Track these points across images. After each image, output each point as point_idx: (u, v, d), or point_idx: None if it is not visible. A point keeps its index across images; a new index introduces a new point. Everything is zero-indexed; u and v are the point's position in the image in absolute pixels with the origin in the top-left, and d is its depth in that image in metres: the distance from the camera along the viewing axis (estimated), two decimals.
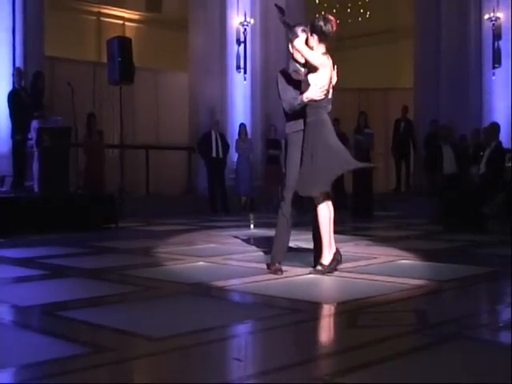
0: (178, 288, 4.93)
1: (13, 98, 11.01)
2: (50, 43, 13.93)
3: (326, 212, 5.27)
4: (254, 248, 7.24)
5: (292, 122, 5.39)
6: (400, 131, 15.43)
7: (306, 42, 5.29)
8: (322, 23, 5.22)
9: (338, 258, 5.31)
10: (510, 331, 3.60)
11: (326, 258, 5.28)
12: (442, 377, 2.78)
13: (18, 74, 11.35)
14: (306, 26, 5.39)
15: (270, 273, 5.33)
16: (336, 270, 5.30)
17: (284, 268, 5.55)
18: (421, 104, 16.27)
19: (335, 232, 5.49)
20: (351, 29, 18.94)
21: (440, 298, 4.57)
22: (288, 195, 5.36)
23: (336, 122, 5.75)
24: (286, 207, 5.37)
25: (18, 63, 12.14)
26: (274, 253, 5.45)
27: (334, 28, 5.22)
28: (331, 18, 5.28)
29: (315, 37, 5.25)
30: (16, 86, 11.28)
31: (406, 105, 15.75)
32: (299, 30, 5.35)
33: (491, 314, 4.30)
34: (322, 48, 5.27)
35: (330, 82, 5.28)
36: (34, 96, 11.07)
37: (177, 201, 14.06)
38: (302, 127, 5.27)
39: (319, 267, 5.28)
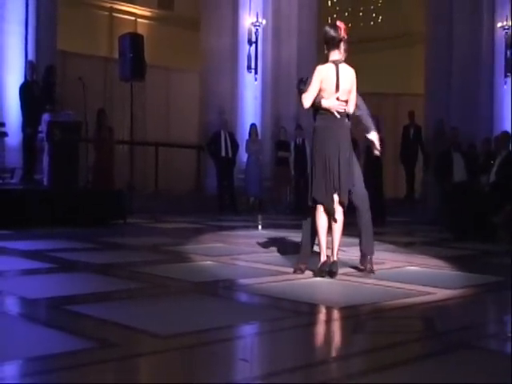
0: (185, 286, 4.93)
1: (24, 91, 11.03)
2: (62, 37, 13.96)
3: (320, 221, 5.34)
4: (261, 249, 7.23)
5: None
6: (410, 137, 15.39)
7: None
8: (327, 29, 5.30)
9: (324, 269, 5.26)
10: None
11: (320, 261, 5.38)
12: None
13: (30, 67, 11.38)
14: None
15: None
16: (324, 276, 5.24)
17: (291, 270, 5.58)
18: (431, 110, 16.22)
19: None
20: (362, 33, 18.94)
21: (448, 306, 4.54)
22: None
23: None
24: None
25: (30, 56, 12.17)
26: None
27: (340, 33, 5.24)
28: (339, 23, 5.30)
29: (325, 45, 5.33)
30: (28, 79, 11.30)
31: (413, 110, 15.70)
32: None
33: (499, 323, 4.27)
34: (333, 55, 5.30)
35: (338, 88, 5.25)
36: (46, 90, 11.09)
37: (185, 199, 14.07)
38: None
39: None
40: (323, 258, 5.32)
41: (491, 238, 8.53)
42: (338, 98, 5.26)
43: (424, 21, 17.18)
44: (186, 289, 4.85)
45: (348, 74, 5.31)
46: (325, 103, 5.22)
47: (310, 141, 14.77)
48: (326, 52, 5.34)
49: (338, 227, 5.32)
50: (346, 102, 5.30)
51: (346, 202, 5.37)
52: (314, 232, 5.51)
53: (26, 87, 11.11)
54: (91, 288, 4.76)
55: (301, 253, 5.63)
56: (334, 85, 5.23)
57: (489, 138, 12.54)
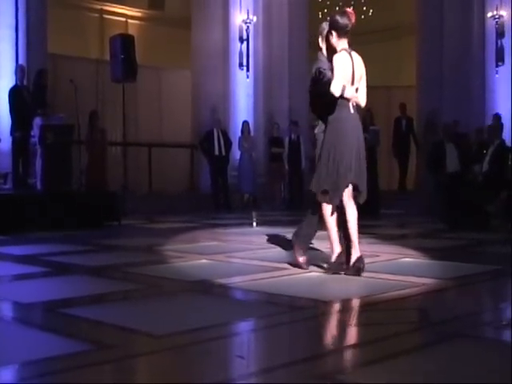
0: (181, 286, 4.93)
1: (14, 95, 10.99)
2: (52, 40, 13.93)
3: (329, 208, 5.17)
4: (256, 246, 7.23)
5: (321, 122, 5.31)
6: (402, 129, 15.41)
7: (327, 39, 5.23)
8: (337, 17, 5.12)
9: (342, 261, 5.14)
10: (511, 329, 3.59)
11: (334, 255, 5.19)
12: (444, 375, 2.77)
13: (20, 70, 11.32)
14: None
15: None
16: (340, 272, 5.13)
17: (286, 266, 5.58)
18: (423, 102, 16.24)
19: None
20: (354, 26, 18.93)
21: (443, 296, 4.56)
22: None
23: None
24: None
25: (21, 60, 12.15)
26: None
27: (352, 20, 5.09)
28: (349, 10, 5.15)
29: (333, 33, 5.14)
30: (18, 83, 11.25)
31: (404, 102, 15.72)
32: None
33: (494, 312, 4.28)
34: (343, 43, 5.15)
35: (353, 78, 5.12)
36: (38, 93, 11.05)
37: (179, 198, 14.07)
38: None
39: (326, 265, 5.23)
40: (338, 251, 5.16)
41: (485, 227, 8.56)
42: (356, 90, 5.13)
43: (414, 12, 17.19)
44: (181, 288, 4.85)
45: (359, 62, 5.20)
46: (348, 92, 5.04)
47: (304, 137, 14.76)
48: (335, 40, 5.14)
49: (354, 221, 5.14)
50: (357, 89, 5.17)
51: (365, 198, 5.26)
52: (313, 226, 5.40)
53: (16, 91, 11.06)
54: (86, 290, 4.75)
55: (300, 245, 5.48)
56: (351, 75, 5.11)
57: (481, 128, 12.57)
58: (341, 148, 5.08)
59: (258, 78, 16.13)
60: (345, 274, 5.11)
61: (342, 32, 5.13)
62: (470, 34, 15.64)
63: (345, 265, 5.17)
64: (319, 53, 5.42)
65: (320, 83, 5.18)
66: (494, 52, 15.21)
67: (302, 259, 5.41)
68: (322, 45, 5.38)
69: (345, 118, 5.11)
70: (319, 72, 5.23)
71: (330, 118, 5.13)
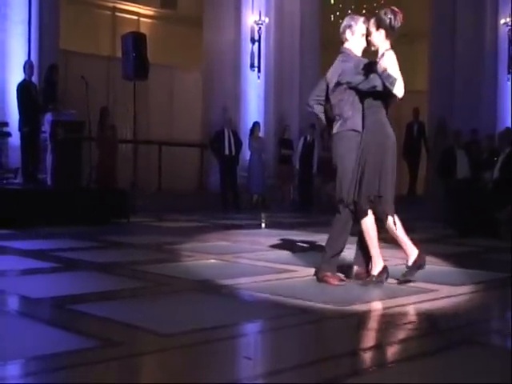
0: (188, 285, 4.94)
1: (22, 90, 10.98)
2: (64, 37, 13.97)
3: (371, 221, 4.95)
4: (265, 247, 7.22)
5: (350, 121, 4.86)
6: (413, 134, 15.37)
7: (367, 36, 4.90)
8: (391, 16, 4.74)
9: (387, 270, 4.95)
10: None
11: (376, 268, 4.93)
12: (451, 381, 2.76)
13: (29, 66, 11.31)
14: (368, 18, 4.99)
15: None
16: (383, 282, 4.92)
17: (295, 268, 5.55)
18: (434, 107, 16.20)
19: None
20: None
21: (452, 303, 4.54)
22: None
23: None
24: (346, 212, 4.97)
25: (33, 56, 12.17)
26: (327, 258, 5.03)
27: (401, 22, 4.78)
28: (399, 11, 4.78)
29: (382, 32, 4.79)
30: (26, 78, 11.25)
31: (417, 107, 15.67)
32: (360, 21, 4.99)
33: (502, 319, 4.27)
34: (387, 44, 4.80)
35: None
36: (48, 89, 11.06)
37: (188, 197, 14.06)
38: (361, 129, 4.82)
39: (370, 278, 4.92)
40: (381, 266, 4.94)
41: (495, 234, 8.52)
42: None
43: (427, 18, 17.15)
44: (189, 287, 4.86)
45: None
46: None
47: (318, 140, 14.64)
48: (382, 39, 4.79)
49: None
50: None
51: None
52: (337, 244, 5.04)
53: (24, 86, 11.05)
54: (95, 287, 4.77)
55: (327, 270, 5.03)
56: None
57: (492, 135, 12.53)
58: (391, 156, 4.83)
59: (269, 80, 16.14)
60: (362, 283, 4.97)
61: (391, 33, 4.79)
62: (482, 40, 15.61)
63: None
64: (344, 47, 5.06)
65: (384, 81, 4.67)
66: (506, 59, 15.17)
67: (334, 281, 4.97)
68: (352, 37, 5.01)
69: (385, 121, 4.83)
70: (383, 69, 4.68)
71: (370, 121, 4.80)
